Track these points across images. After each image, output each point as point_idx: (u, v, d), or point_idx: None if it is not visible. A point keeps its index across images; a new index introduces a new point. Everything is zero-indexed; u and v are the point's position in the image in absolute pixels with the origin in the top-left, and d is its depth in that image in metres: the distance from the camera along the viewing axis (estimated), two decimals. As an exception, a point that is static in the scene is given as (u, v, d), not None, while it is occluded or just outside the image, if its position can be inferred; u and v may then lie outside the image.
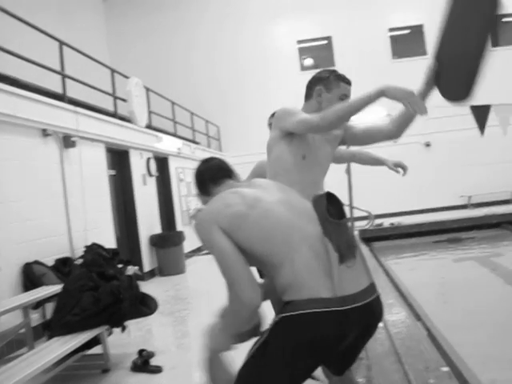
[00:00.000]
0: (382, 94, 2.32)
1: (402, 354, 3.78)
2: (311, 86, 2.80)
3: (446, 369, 3.39)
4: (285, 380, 1.88)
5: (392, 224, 13.31)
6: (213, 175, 2.26)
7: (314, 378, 2.64)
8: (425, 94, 2.57)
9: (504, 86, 16.39)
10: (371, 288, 2.01)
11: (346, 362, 2.16)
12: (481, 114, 7.65)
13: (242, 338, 2.14)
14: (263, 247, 1.94)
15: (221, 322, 2.08)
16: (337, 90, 2.73)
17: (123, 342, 5.19)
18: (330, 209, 1.98)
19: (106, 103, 10.74)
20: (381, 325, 4.63)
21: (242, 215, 1.96)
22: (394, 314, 4.69)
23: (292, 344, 1.84)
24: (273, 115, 3.90)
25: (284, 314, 1.86)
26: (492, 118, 7.73)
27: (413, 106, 2.31)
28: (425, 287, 6.90)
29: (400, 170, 3.46)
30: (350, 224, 1.96)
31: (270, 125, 3.87)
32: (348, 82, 2.77)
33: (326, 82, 2.74)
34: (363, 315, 1.92)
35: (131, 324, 5.04)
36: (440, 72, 2.50)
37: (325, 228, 1.95)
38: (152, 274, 9.83)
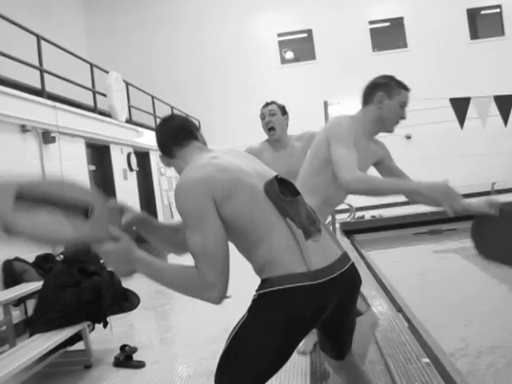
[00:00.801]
0: (417, 191, 2.49)
1: (383, 345, 3.83)
2: (371, 91, 2.74)
3: (426, 360, 3.44)
4: (269, 357, 1.87)
5: (373, 216, 13.40)
6: (175, 136, 2.11)
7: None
8: (463, 211, 2.53)
9: (483, 79, 16.57)
10: (344, 257, 1.99)
11: (340, 341, 2.13)
12: (460, 107, 7.75)
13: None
14: (246, 221, 1.86)
15: (162, 266, 1.95)
16: (398, 97, 2.71)
17: (105, 337, 5.17)
18: (283, 190, 1.92)
19: (86, 98, 10.66)
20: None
21: (236, 184, 1.86)
22: (375, 306, 4.73)
23: (271, 321, 1.84)
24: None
25: (260, 292, 1.86)
26: (472, 111, 7.84)
27: (450, 208, 2.40)
28: (406, 279, 6.97)
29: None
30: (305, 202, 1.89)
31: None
32: (407, 89, 2.78)
33: (388, 89, 2.71)
34: (340, 285, 1.92)
35: (114, 319, 5.03)
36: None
37: (280, 208, 1.89)
38: (134, 269, 9.78)
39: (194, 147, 2.10)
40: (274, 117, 3.92)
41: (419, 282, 7.06)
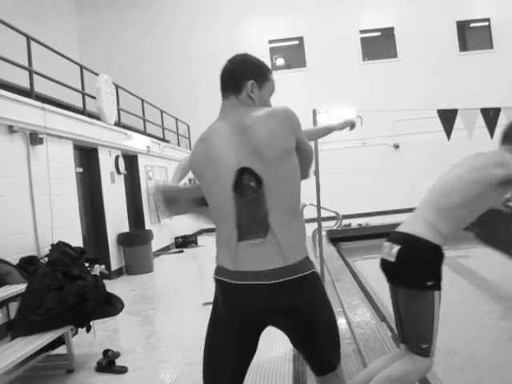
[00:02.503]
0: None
1: (365, 354, 3.84)
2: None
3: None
4: (209, 333, 2.07)
5: (360, 225, 13.46)
6: (221, 84, 2.18)
7: None
8: None
9: (471, 91, 16.71)
10: (278, 272, 1.90)
11: (310, 356, 2.12)
12: (447, 118, 7.80)
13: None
14: (209, 202, 2.06)
15: None
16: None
17: (88, 342, 5.15)
18: (251, 184, 1.91)
19: (75, 100, 10.61)
20: (345, 326, 4.69)
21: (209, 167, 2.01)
22: (359, 315, 4.75)
23: (214, 305, 2.06)
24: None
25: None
26: (459, 122, 7.89)
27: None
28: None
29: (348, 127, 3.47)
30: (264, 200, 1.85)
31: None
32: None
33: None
34: (268, 296, 1.91)
35: (97, 324, 5.01)
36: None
37: (236, 204, 1.92)
38: (119, 272, 9.75)
39: (223, 107, 2.19)
40: None
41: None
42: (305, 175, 2.14)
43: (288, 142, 1.96)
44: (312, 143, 3.34)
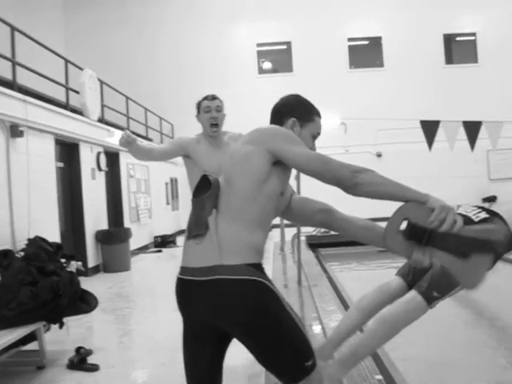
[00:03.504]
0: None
1: (339, 360, 3.83)
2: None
3: (379, 377, 3.46)
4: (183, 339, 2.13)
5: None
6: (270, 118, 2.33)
7: None
8: None
9: (455, 103, 16.89)
10: (210, 270, 1.95)
11: (264, 365, 2.06)
12: (430, 129, 7.88)
13: None
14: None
15: None
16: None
17: (61, 338, 5.08)
18: (203, 186, 2.07)
19: (58, 94, 10.52)
20: (320, 331, 4.70)
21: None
22: (334, 321, 4.75)
23: None
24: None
25: None
26: (441, 133, 7.98)
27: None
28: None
29: None
30: (209, 201, 1.89)
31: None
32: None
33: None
34: (200, 292, 1.98)
35: (71, 320, 4.95)
36: None
37: (191, 204, 2.12)
38: (96, 269, 9.68)
39: None
40: (219, 113, 3.87)
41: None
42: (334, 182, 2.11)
43: (251, 154, 2.04)
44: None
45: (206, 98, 3.89)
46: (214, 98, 3.89)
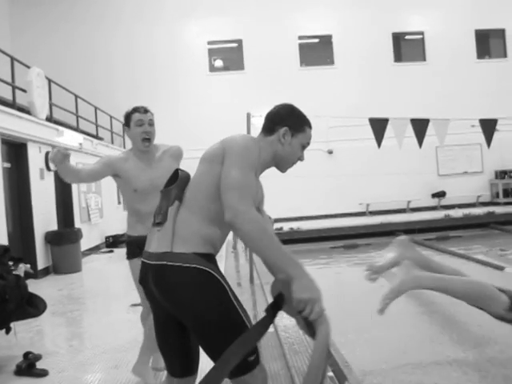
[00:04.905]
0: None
1: (289, 357, 3.89)
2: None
3: (329, 373, 3.51)
4: None
5: (291, 229, 13.63)
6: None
7: None
8: None
9: (403, 101, 17.23)
10: (162, 256, 2.11)
11: (211, 356, 2.08)
12: (379, 127, 8.02)
13: None
14: None
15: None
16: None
17: (9, 343, 4.96)
18: (171, 180, 2.30)
19: (4, 92, 10.25)
20: (271, 329, 4.73)
21: None
22: (285, 319, 4.79)
23: None
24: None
25: None
26: (390, 131, 8.13)
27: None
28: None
29: None
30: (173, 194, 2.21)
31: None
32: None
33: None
34: (151, 274, 2.14)
35: (19, 325, 4.84)
36: None
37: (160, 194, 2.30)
38: (46, 271, 9.48)
39: None
40: (152, 127, 3.64)
41: (332, 295, 7.20)
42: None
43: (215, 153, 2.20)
44: None
45: (137, 111, 3.63)
46: (146, 110, 3.65)
